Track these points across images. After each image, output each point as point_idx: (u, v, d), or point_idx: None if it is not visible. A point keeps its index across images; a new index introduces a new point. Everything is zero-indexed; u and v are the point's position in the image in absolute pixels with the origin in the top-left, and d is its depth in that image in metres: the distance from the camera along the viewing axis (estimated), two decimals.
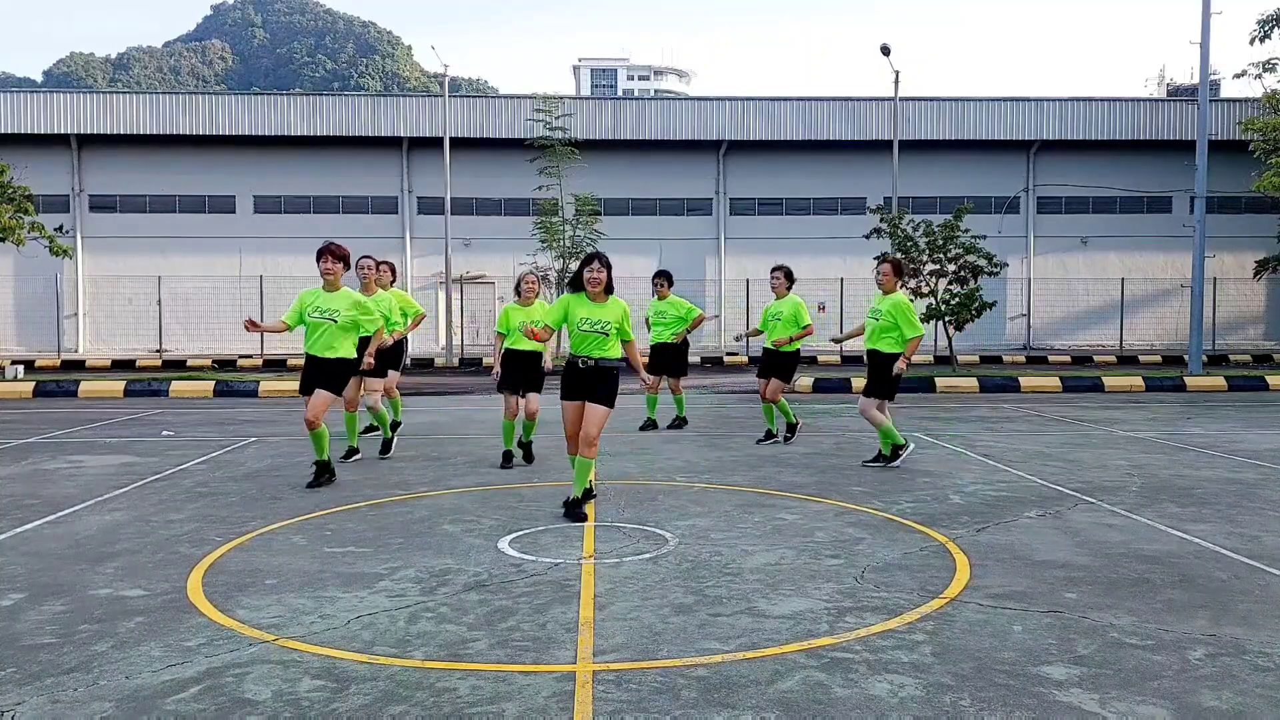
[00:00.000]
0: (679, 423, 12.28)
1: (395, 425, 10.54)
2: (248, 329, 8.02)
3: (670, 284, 12.02)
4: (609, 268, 7.13)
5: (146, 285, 31.33)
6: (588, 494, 7.15)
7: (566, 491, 8.08)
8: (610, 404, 7.09)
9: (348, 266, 8.41)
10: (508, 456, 9.55)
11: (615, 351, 7.12)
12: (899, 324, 9.11)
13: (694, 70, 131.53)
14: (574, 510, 7.01)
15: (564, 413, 7.17)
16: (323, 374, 8.26)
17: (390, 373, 10.67)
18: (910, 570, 5.66)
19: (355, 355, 8.53)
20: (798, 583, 5.39)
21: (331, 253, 8.19)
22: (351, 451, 9.85)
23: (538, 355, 9.52)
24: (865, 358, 9.43)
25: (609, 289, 7.14)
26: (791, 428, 10.98)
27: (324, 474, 8.36)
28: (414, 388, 18.67)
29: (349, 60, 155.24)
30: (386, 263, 10.70)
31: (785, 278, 10.80)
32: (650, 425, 12.05)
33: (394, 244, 31.95)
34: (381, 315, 10.29)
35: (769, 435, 11.01)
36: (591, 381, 7.04)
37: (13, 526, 6.89)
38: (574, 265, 26.28)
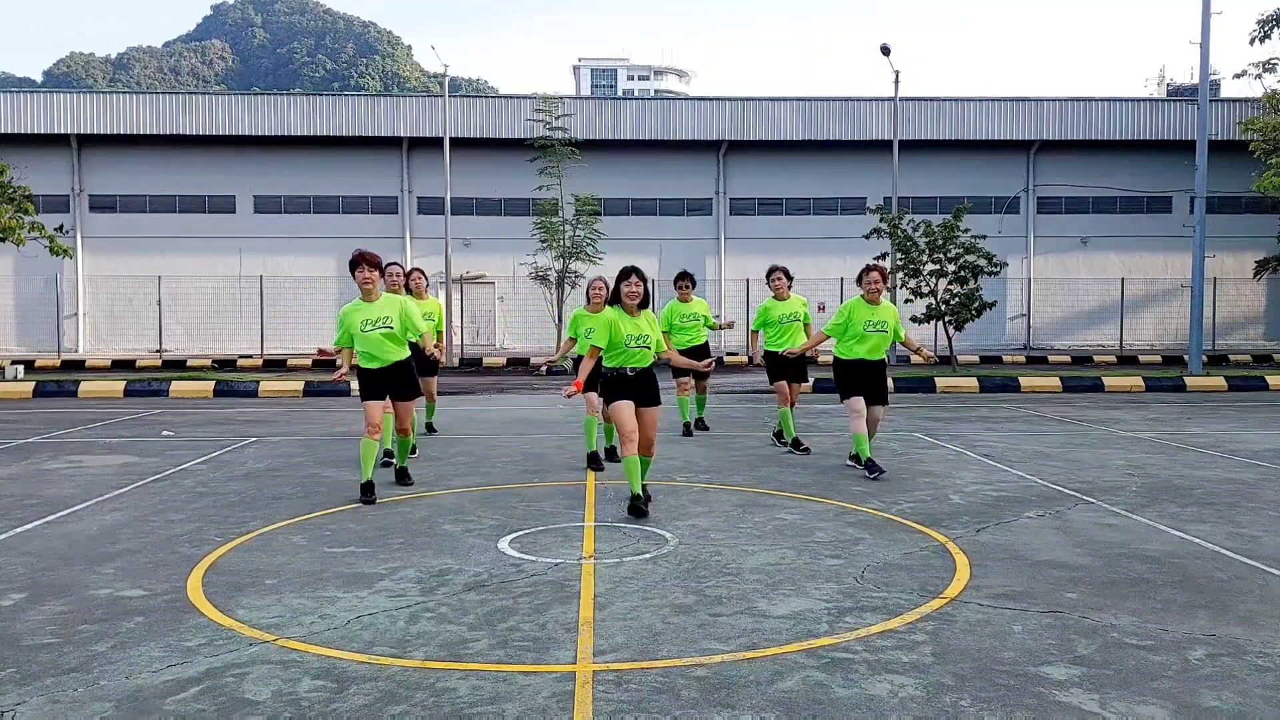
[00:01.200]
0: (701, 425, 12.06)
1: (428, 427, 11.49)
2: (322, 354, 7.90)
3: (693, 285, 11.80)
4: (645, 280, 7.43)
5: (146, 285, 31.33)
6: (644, 505, 7.17)
7: (566, 491, 8.10)
8: (659, 403, 7.51)
9: (383, 273, 8.29)
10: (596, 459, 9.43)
11: (651, 360, 7.46)
12: (895, 334, 9.02)
13: (694, 70, 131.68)
14: (638, 506, 7.08)
15: (620, 411, 7.26)
16: (394, 380, 8.05)
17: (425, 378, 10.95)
18: (910, 570, 5.66)
19: (410, 353, 8.30)
20: (798, 583, 5.39)
21: (368, 261, 7.92)
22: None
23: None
24: (864, 370, 8.97)
25: (645, 302, 7.40)
26: (779, 434, 10.78)
27: (406, 477, 8.46)
28: None
29: (349, 60, 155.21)
30: (418, 269, 10.87)
31: (786, 277, 10.69)
32: (688, 430, 11.82)
33: (394, 244, 31.93)
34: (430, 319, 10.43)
35: (797, 443, 10.43)
36: (641, 385, 7.35)
37: (13, 526, 6.89)
38: (574, 265, 26.38)
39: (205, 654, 4.32)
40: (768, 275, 10.81)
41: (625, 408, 7.27)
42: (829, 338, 9.31)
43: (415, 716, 3.67)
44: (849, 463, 8.96)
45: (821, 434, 11.72)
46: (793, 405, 10.59)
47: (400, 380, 8.12)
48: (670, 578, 5.50)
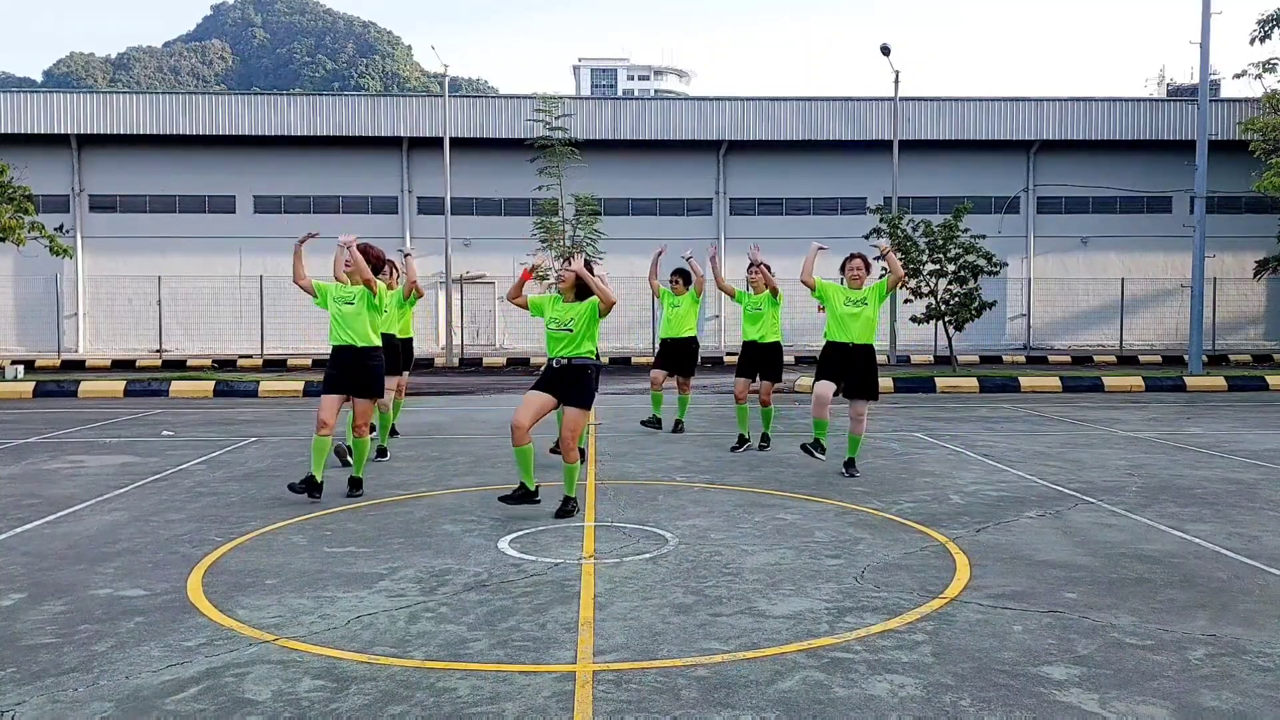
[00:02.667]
0: (678, 426, 12.06)
1: (391, 431, 10.63)
2: (301, 242, 7.91)
3: (688, 283, 11.98)
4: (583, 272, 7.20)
5: (146, 285, 31.32)
6: (568, 509, 7.15)
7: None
8: (586, 406, 7.22)
9: (375, 267, 8.25)
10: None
11: (585, 349, 7.19)
12: (879, 298, 8.77)
13: (694, 70, 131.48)
14: (565, 510, 7.10)
15: (525, 399, 7.20)
16: (357, 373, 7.86)
17: (390, 377, 10.81)
18: (910, 570, 5.66)
19: (381, 344, 8.17)
20: (798, 583, 5.39)
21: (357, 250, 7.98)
22: (382, 451, 9.88)
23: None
24: (846, 355, 8.71)
25: (580, 294, 7.20)
26: (767, 437, 10.71)
27: (317, 489, 7.76)
28: (414, 388, 18.64)
29: (349, 60, 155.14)
30: (389, 262, 10.93)
31: (768, 272, 10.80)
32: (654, 423, 12.00)
33: (394, 244, 31.86)
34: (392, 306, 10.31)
35: (743, 441, 10.62)
36: (565, 381, 7.16)
37: (13, 526, 6.89)
38: None
39: (205, 654, 4.32)
40: (748, 269, 10.96)
41: (533, 398, 7.14)
42: (814, 290, 8.99)
43: (415, 716, 3.67)
44: (843, 470, 8.93)
45: None
46: (764, 405, 10.70)
47: (364, 375, 7.90)
48: (670, 578, 5.50)
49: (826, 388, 8.75)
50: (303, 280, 8.06)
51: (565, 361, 7.16)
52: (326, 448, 7.79)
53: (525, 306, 7.47)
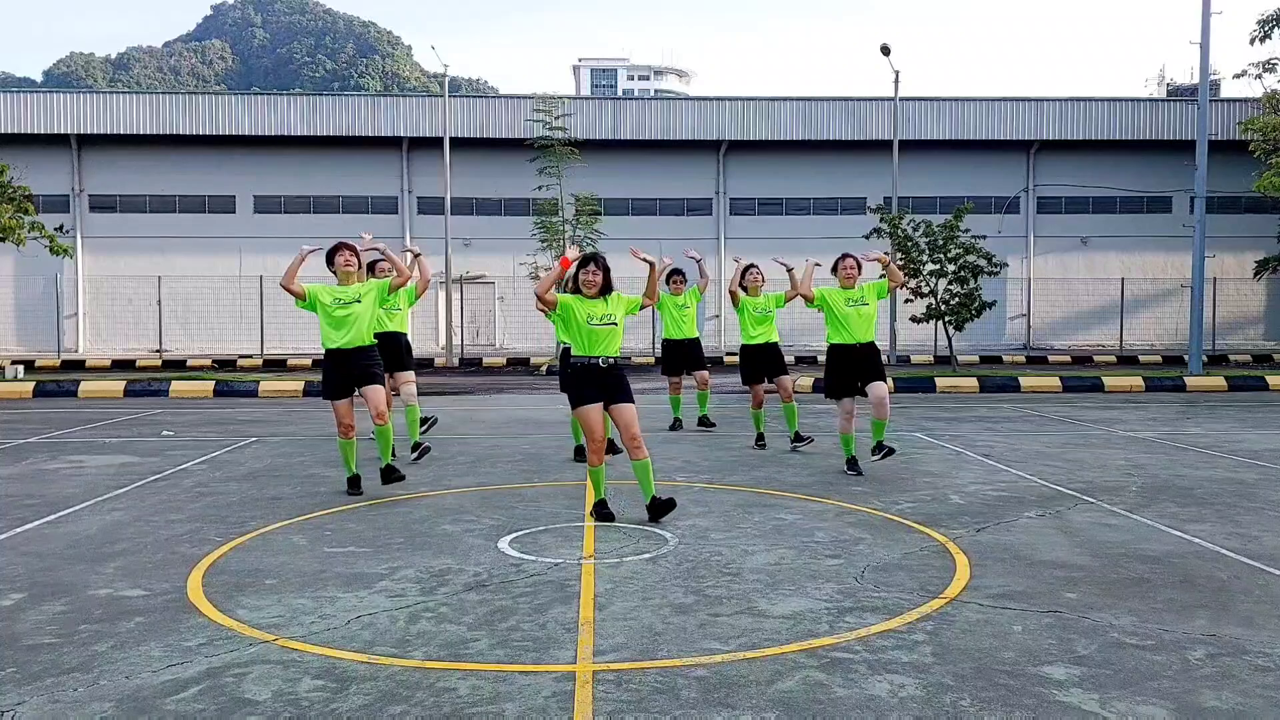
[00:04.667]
0: (704, 422, 12.20)
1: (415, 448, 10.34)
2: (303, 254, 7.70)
3: (685, 281, 12.04)
4: (606, 270, 7.02)
5: (146, 285, 31.32)
6: (662, 501, 6.95)
7: (566, 491, 8.10)
8: (633, 399, 7.05)
9: (360, 261, 8.26)
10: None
11: (619, 345, 7.09)
12: (878, 296, 8.94)
13: (694, 70, 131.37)
14: (659, 509, 6.88)
15: (588, 418, 6.91)
16: (356, 367, 7.86)
17: (401, 373, 10.38)
18: (910, 570, 5.66)
19: (375, 342, 8.14)
20: (798, 583, 5.39)
21: (349, 247, 7.96)
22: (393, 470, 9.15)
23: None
24: (853, 356, 8.85)
25: (605, 291, 7.03)
26: (800, 435, 10.63)
27: (358, 487, 7.97)
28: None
29: (349, 60, 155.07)
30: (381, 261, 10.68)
31: (761, 275, 10.90)
32: (678, 425, 12.07)
33: (394, 244, 31.77)
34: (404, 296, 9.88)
35: (761, 439, 10.76)
36: (613, 381, 6.96)
37: (13, 526, 6.89)
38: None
39: (205, 654, 4.32)
40: (744, 273, 10.95)
41: (595, 413, 6.87)
42: (812, 301, 8.99)
43: (415, 716, 3.67)
44: (873, 455, 9.00)
45: (821, 434, 11.70)
46: (787, 401, 10.69)
47: (363, 366, 7.87)
48: (670, 578, 5.50)
49: (849, 404, 8.97)
50: (295, 287, 7.77)
51: (611, 361, 6.93)
52: (354, 448, 7.96)
53: (554, 306, 6.97)
